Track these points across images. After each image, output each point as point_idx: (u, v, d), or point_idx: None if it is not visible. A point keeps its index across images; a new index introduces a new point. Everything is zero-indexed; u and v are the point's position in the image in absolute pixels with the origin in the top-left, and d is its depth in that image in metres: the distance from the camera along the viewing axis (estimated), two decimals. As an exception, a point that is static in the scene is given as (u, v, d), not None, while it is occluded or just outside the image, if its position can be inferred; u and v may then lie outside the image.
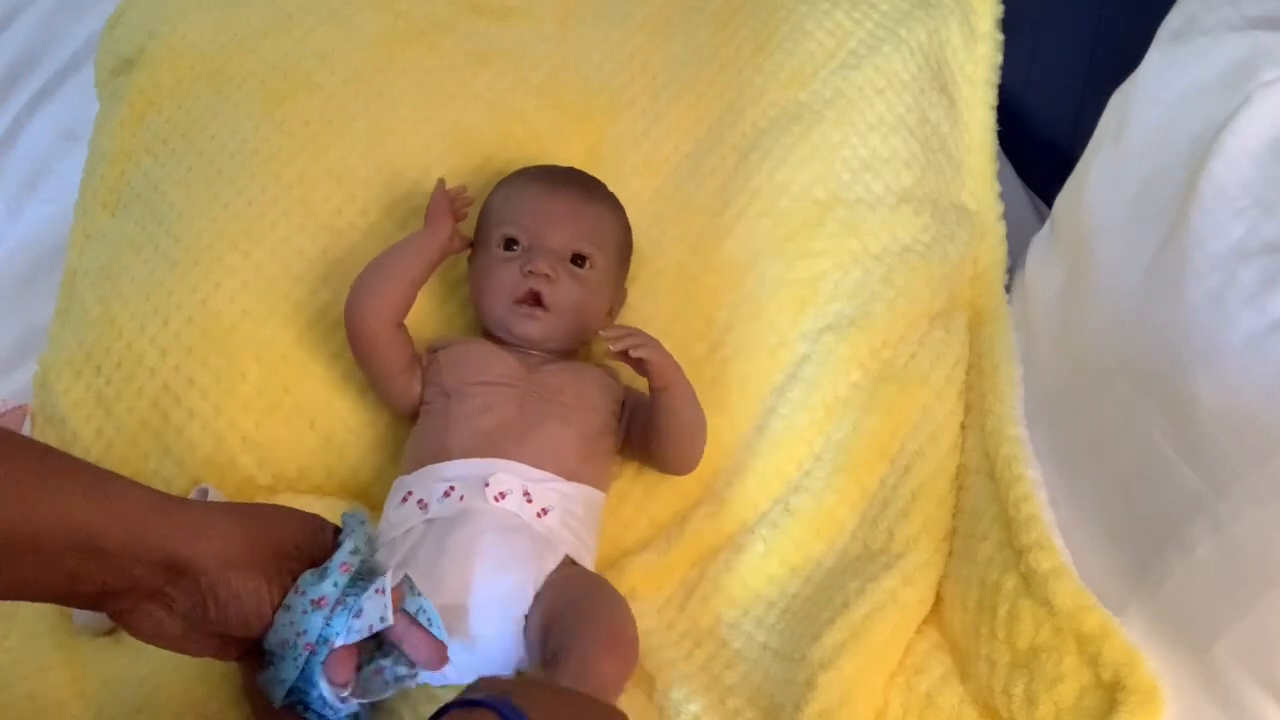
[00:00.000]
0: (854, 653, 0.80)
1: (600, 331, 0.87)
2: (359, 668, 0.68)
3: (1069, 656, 0.75)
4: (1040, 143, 1.21)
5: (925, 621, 0.89)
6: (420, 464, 0.87)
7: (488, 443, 0.86)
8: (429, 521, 0.83)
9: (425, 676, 0.73)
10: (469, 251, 0.98)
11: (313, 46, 1.10)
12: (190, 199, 1.03)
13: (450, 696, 0.61)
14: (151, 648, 0.80)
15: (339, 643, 0.65)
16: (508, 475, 0.85)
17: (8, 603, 0.89)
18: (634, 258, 1.02)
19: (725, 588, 0.90)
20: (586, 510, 0.88)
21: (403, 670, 0.69)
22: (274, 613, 0.66)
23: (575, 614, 0.79)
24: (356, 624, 0.66)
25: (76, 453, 0.96)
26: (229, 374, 0.96)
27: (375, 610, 0.66)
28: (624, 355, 0.86)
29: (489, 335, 0.95)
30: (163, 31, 1.13)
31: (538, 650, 0.79)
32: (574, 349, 0.97)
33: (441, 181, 0.96)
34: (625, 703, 0.82)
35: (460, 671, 0.74)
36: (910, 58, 1.13)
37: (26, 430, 1.00)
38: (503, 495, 0.83)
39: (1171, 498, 0.76)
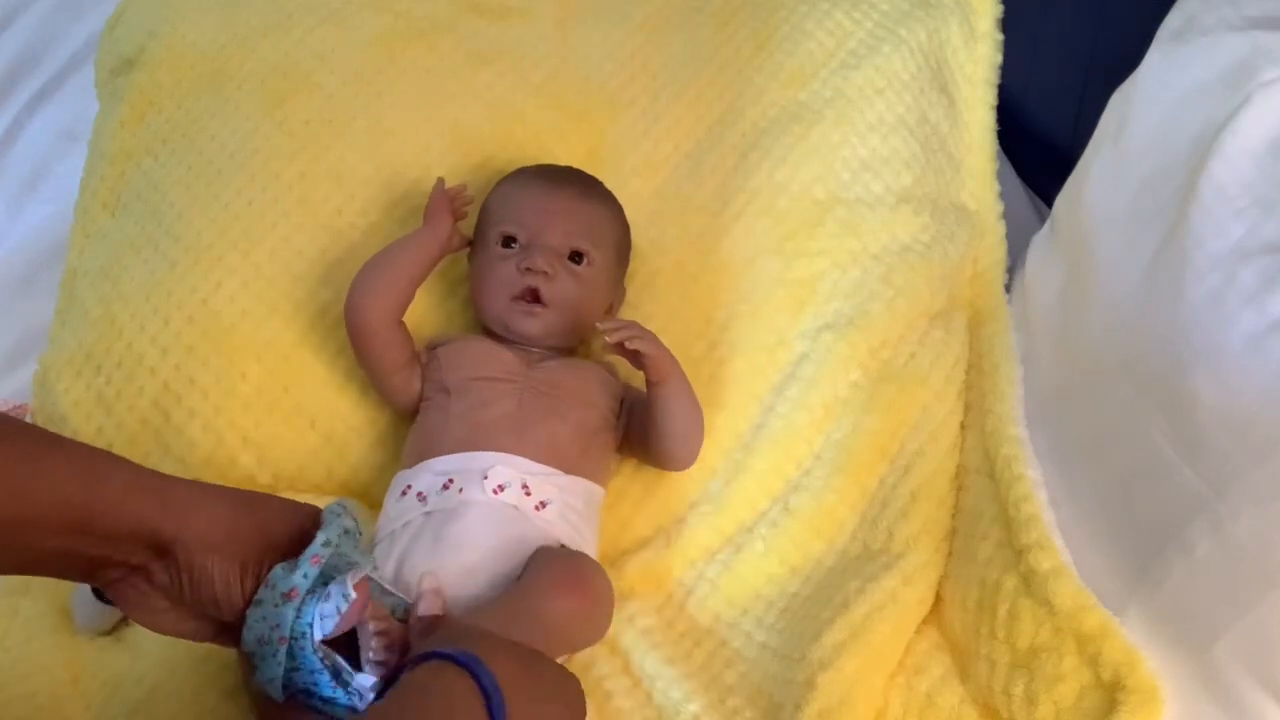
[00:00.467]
0: (854, 653, 0.80)
1: (597, 323, 0.88)
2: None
3: (1069, 656, 0.75)
4: (1040, 143, 1.21)
5: (925, 621, 0.89)
6: (419, 459, 0.88)
7: (486, 437, 0.87)
8: (428, 514, 0.83)
9: None
10: (469, 250, 0.98)
11: (313, 46, 1.10)
12: (190, 199, 1.03)
13: None
14: (151, 647, 0.81)
15: (317, 635, 0.65)
16: (506, 468, 0.85)
17: (8, 602, 0.89)
18: (633, 257, 1.02)
19: (725, 587, 0.90)
20: (585, 504, 0.88)
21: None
22: (245, 599, 0.66)
23: (539, 560, 0.81)
24: (326, 608, 0.66)
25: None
26: (229, 373, 0.96)
27: (338, 593, 0.66)
28: (620, 348, 0.86)
29: (489, 333, 0.96)
30: (163, 31, 1.13)
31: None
32: (573, 346, 0.97)
33: (441, 180, 0.96)
34: (625, 702, 0.82)
35: None
36: (910, 58, 1.13)
37: (26, 430, 1.00)
38: (501, 488, 0.84)
39: (1171, 498, 0.76)
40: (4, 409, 1.03)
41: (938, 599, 0.90)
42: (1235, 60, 0.90)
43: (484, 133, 1.07)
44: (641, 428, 0.92)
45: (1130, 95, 0.99)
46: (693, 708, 0.81)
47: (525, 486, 0.84)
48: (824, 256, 1.03)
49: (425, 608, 0.75)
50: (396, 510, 0.85)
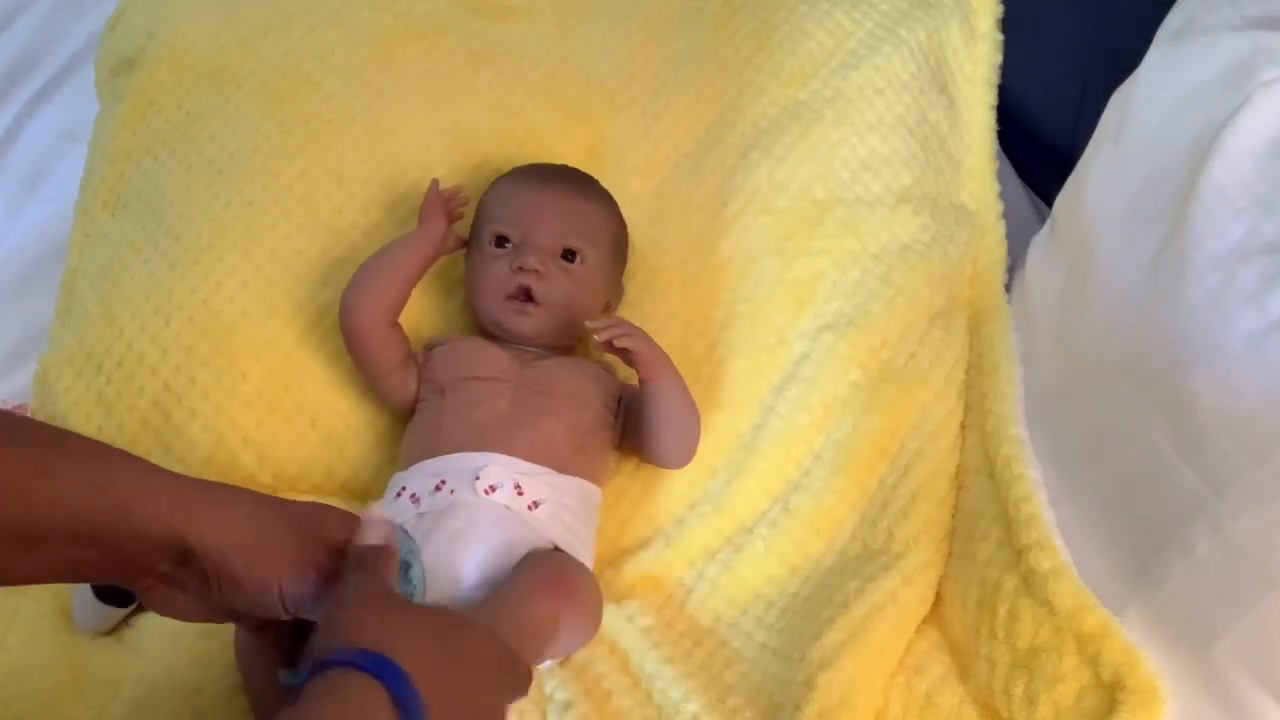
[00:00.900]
0: (854, 652, 0.80)
1: (586, 322, 0.87)
2: None
3: (1069, 656, 0.75)
4: (1040, 143, 1.21)
5: (925, 621, 0.89)
6: (414, 460, 0.88)
7: (479, 436, 0.87)
8: (420, 515, 0.83)
9: None
10: (464, 251, 0.98)
11: (313, 46, 1.10)
12: (190, 198, 1.03)
13: None
14: (150, 647, 0.81)
15: None
16: (498, 468, 0.85)
17: (8, 602, 0.89)
18: (633, 256, 1.02)
19: (724, 587, 0.90)
20: (581, 504, 0.88)
21: None
22: (282, 599, 0.64)
23: (525, 563, 0.80)
24: None
25: (76, 452, 0.96)
26: (230, 373, 0.96)
27: None
28: (610, 346, 0.86)
29: (485, 333, 0.96)
30: (163, 31, 1.13)
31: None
32: (570, 345, 0.97)
33: (435, 182, 0.96)
34: (624, 702, 0.82)
35: None
36: (910, 57, 1.13)
37: (26, 430, 1.00)
38: (493, 488, 0.84)
39: (1171, 498, 0.76)
40: (4, 409, 1.03)
41: (938, 599, 0.90)
42: (1235, 60, 0.90)
43: (484, 132, 1.07)
44: (638, 426, 0.92)
45: (1130, 95, 0.99)
46: (692, 707, 0.81)
47: (518, 486, 0.84)
48: (824, 256, 1.03)
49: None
50: (391, 512, 0.85)
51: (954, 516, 0.95)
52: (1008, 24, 1.19)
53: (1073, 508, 0.85)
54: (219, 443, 0.95)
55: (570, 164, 1.02)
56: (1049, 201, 1.10)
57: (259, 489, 0.94)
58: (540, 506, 0.84)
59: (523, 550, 0.82)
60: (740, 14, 1.15)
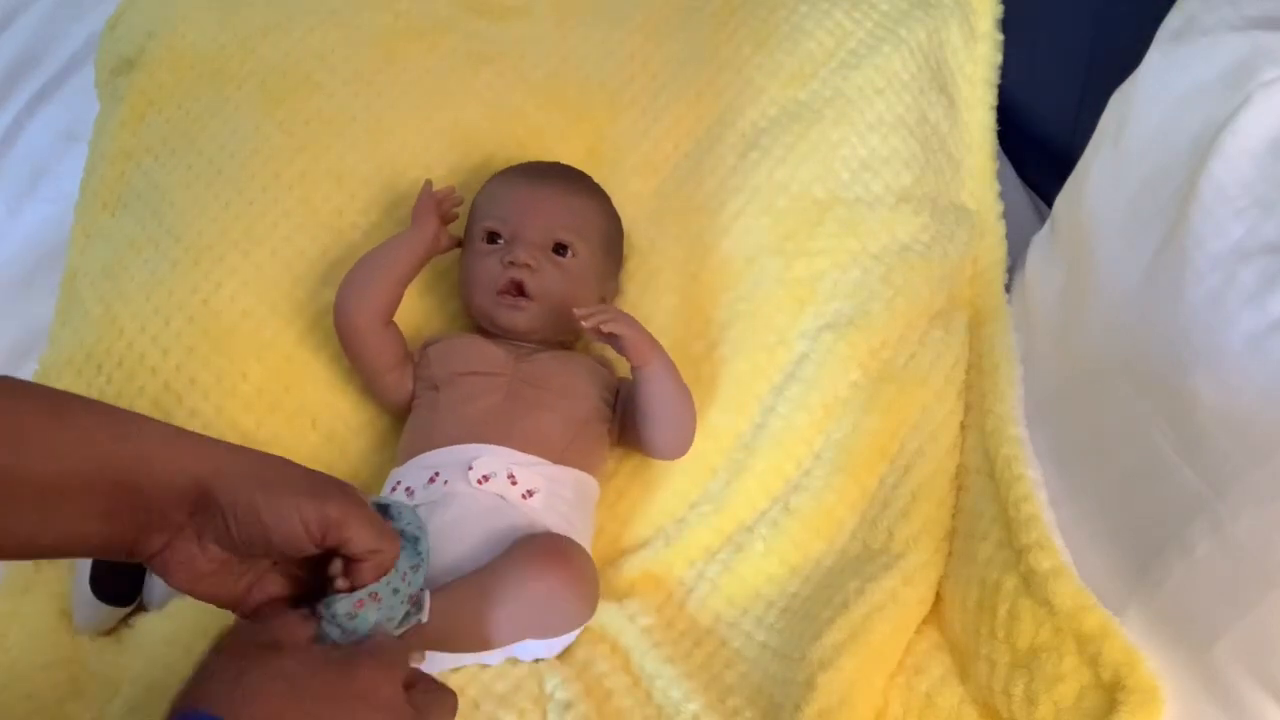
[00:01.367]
0: (854, 653, 0.80)
1: (575, 309, 0.88)
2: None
3: (1069, 656, 0.75)
4: (1040, 143, 1.21)
5: (925, 621, 0.89)
6: (409, 455, 0.88)
7: (472, 429, 0.87)
8: (414, 508, 0.83)
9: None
10: (459, 250, 0.98)
11: (313, 46, 1.10)
12: (191, 198, 1.03)
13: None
14: (149, 647, 0.80)
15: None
16: (492, 458, 0.85)
17: (8, 602, 0.89)
18: (633, 256, 1.02)
19: (724, 587, 0.90)
20: (577, 495, 0.88)
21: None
22: (305, 525, 0.62)
23: (520, 540, 0.81)
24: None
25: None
26: (230, 373, 0.96)
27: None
28: (598, 332, 0.86)
29: (481, 330, 0.96)
30: (163, 31, 1.13)
31: None
32: (565, 339, 0.97)
33: (428, 182, 0.97)
34: (624, 701, 0.82)
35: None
36: (910, 57, 1.13)
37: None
38: (486, 478, 0.84)
39: (1171, 498, 0.76)
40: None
41: (938, 599, 0.90)
42: (1235, 60, 0.90)
43: (484, 132, 1.07)
44: (632, 416, 0.92)
45: (1130, 95, 0.99)
46: (692, 707, 0.81)
47: (511, 476, 0.84)
48: (824, 256, 1.03)
49: None
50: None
51: (954, 516, 0.94)
52: (1008, 24, 1.19)
53: (1073, 508, 0.85)
54: (219, 443, 0.95)
55: (570, 164, 1.02)
56: (1049, 201, 1.10)
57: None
58: (534, 495, 0.84)
59: (515, 537, 0.82)
60: (740, 14, 1.15)
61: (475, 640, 0.79)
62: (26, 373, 1.04)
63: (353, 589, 0.65)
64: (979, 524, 0.89)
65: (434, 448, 0.87)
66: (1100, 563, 0.80)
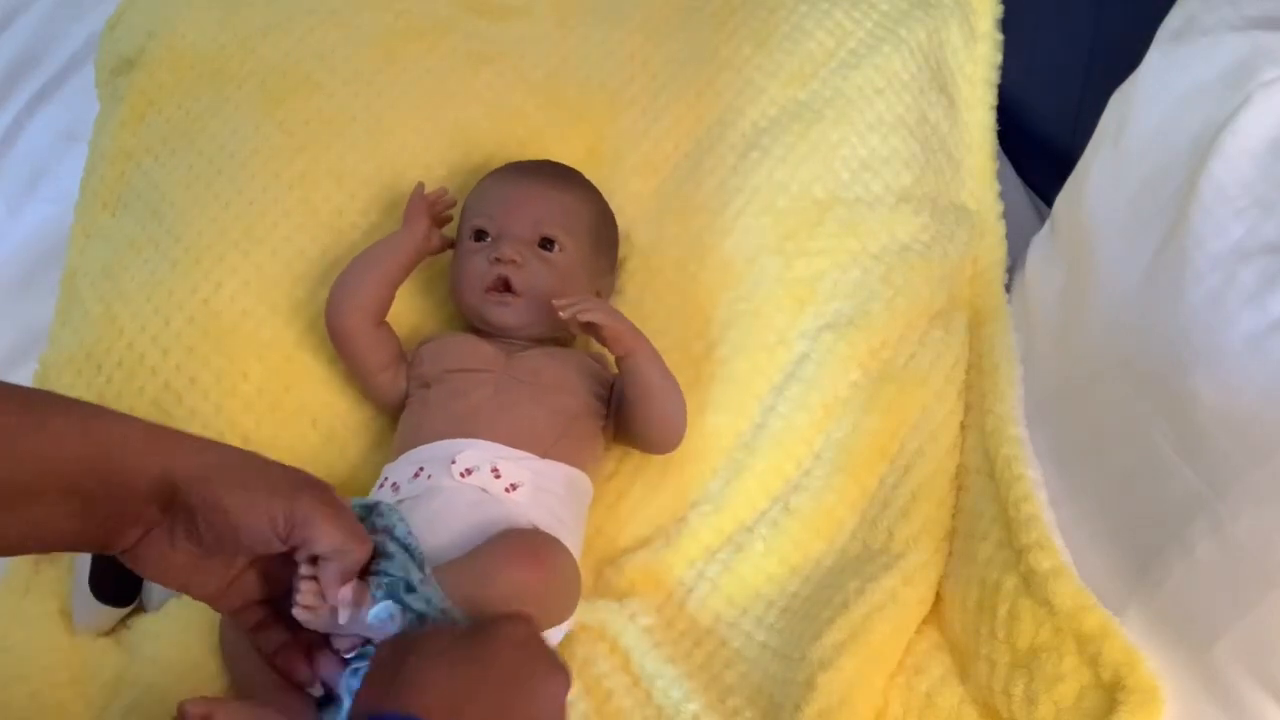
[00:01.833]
0: (854, 653, 0.80)
1: (553, 300, 0.87)
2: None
3: (1069, 656, 0.75)
4: (1040, 143, 1.21)
5: (925, 621, 0.89)
6: (399, 452, 0.88)
7: (460, 425, 0.87)
8: (399, 502, 0.83)
9: None
10: (451, 252, 0.99)
11: (313, 46, 1.10)
12: (191, 198, 1.03)
13: None
14: (148, 647, 0.80)
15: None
16: (475, 452, 0.85)
17: (8, 602, 0.89)
18: (634, 256, 1.02)
19: (725, 587, 0.90)
20: (567, 490, 0.87)
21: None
22: (273, 523, 0.63)
23: (498, 533, 0.80)
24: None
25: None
26: (230, 373, 0.96)
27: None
28: (576, 323, 0.86)
29: (473, 328, 0.96)
30: (163, 31, 1.13)
31: None
32: (559, 336, 0.97)
33: (420, 184, 0.97)
34: (624, 701, 0.82)
35: None
36: (910, 57, 1.13)
37: (27, 430, 1.00)
38: (469, 471, 0.83)
39: (1171, 498, 0.76)
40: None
41: (938, 599, 0.90)
42: (1235, 60, 0.90)
43: (484, 132, 1.07)
44: (621, 409, 0.92)
45: (1130, 95, 0.99)
46: (692, 707, 0.81)
47: (494, 469, 0.84)
48: (824, 256, 1.03)
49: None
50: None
51: (954, 516, 0.94)
52: (1008, 24, 1.19)
53: (1073, 508, 0.85)
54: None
55: (570, 164, 1.02)
56: (1049, 201, 1.10)
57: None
58: (518, 489, 0.84)
59: (496, 531, 0.82)
60: (740, 14, 1.15)
61: None
62: (27, 373, 1.04)
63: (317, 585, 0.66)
64: (979, 524, 0.89)
65: (422, 443, 0.87)
66: (1100, 563, 0.80)
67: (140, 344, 0.97)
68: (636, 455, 0.97)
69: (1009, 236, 1.13)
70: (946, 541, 0.93)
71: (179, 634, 0.85)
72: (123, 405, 0.96)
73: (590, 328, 0.87)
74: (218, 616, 0.84)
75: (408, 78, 1.09)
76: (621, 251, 1.03)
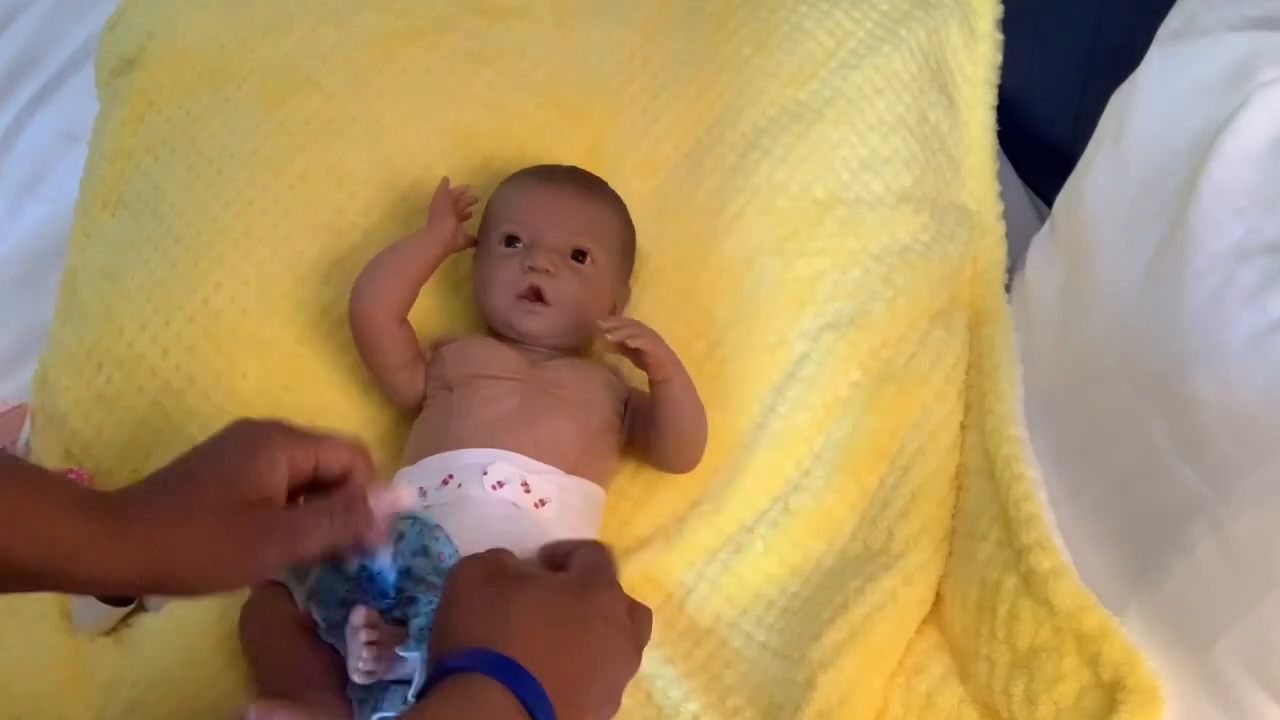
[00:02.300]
0: (854, 652, 0.80)
1: (599, 321, 0.88)
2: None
3: (1069, 656, 0.75)
4: (1040, 143, 1.21)
5: (925, 621, 0.89)
6: (421, 455, 0.88)
7: (487, 434, 0.87)
8: (426, 509, 0.83)
9: None
10: (472, 250, 0.98)
11: (313, 46, 1.10)
12: (191, 198, 1.03)
13: None
14: (149, 647, 0.80)
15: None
16: (506, 465, 0.85)
17: (8, 602, 0.89)
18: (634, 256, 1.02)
19: (724, 587, 0.90)
20: (585, 504, 0.88)
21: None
22: (246, 572, 0.64)
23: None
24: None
25: (76, 451, 0.97)
26: (230, 373, 0.96)
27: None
28: (622, 346, 0.86)
29: (493, 332, 0.96)
30: (163, 31, 1.13)
31: None
32: (578, 345, 0.97)
33: (445, 180, 0.96)
34: (624, 701, 0.82)
35: None
36: (910, 57, 1.13)
37: (26, 430, 1.00)
38: (500, 484, 0.84)
39: (1171, 498, 0.76)
40: (4, 409, 1.03)
41: (938, 599, 0.90)
42: (1235, 60, 0.90)
43: (484, 132, 1.07)
44: (645, 429, 0.92)
45: (1130, 95, 0.99)
46: (692, 707, 0.81)
47: (525, 484, 0.84)
48: (824, 256, 1.03)
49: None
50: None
51: (954, 516, 0.94)
52: (1008, 24, 1.19)
53: (1073, 508, 0.85)
54: (219, 443, 0.95)
55: (572, 164, 1.02)
56: (1049, 201, 1.10)
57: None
58: (546, 505, 0.84)
59: (526, 546, 0.82)
60: (740, 14, 1.15)
61: None
62: (26, 373, 1.04)
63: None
64: (979, 524, 0.89)
65: (447, 449, 0.87)
66: (1100, 563, 0.80)
67: (140, 344, 0.97)
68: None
69: (1009, 236, 1.13)
70: (946, 541, 0.93)
71: (179, 634, 0.85)
72: (122, 405, 0.96)
73: (633, 352, 0.87)
74: (219, 616, 0.85)
75: (408, 78, 1.09)
76: (625, 253, 1.03)
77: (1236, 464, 0.73)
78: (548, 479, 0.86)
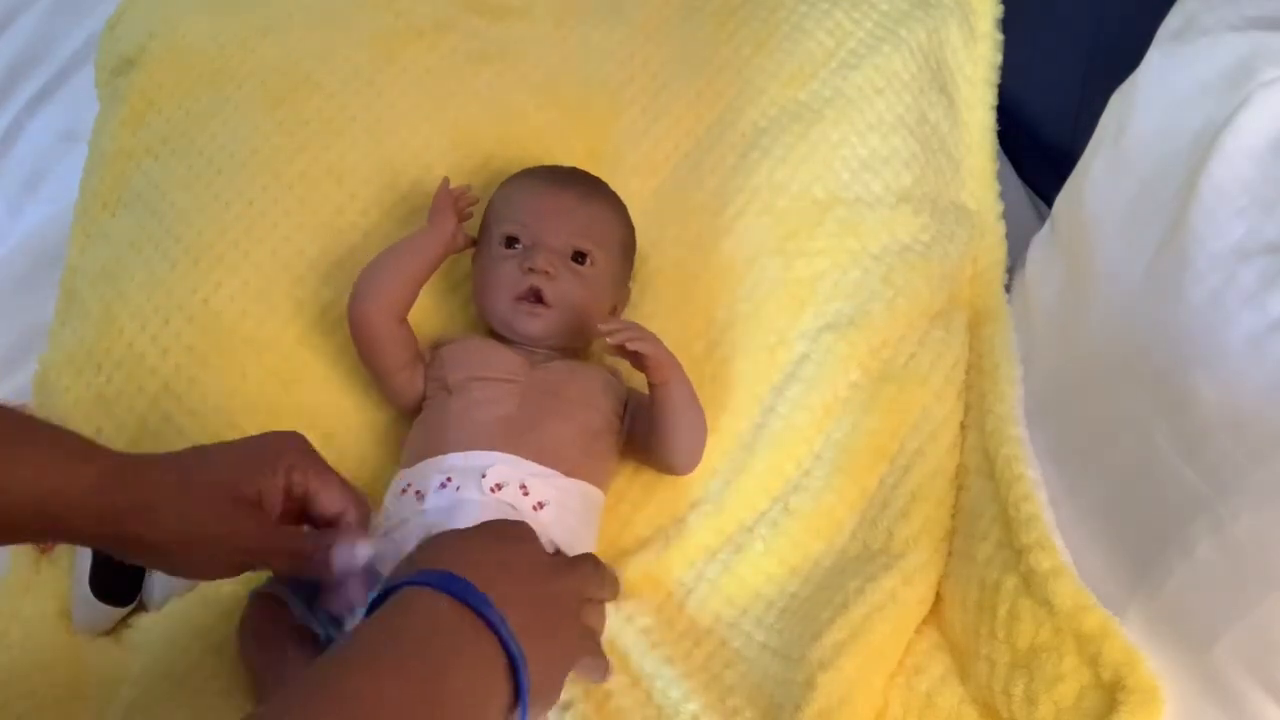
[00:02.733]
0: (854, 653, 0.80)
1: (599, 324, 0.88)
2: None
3: (1069, 656, 0.75)
4: (1040, 143, 1.21)
5: (925, 621, 0.89)
6: (420, 457, 0.88)
7: (487, 436, 0.87)
8: (425, 511, 0.83)
9: None
10: (472, 250, 0.98)
11: (313, 46, 1.10)
12: (190, 198, 1.03)
13: None
14: (149, 647, 0.81)
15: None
16: (505, 467, 0.85)
17: (8, 602, 0.89)
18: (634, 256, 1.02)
19: (724, 587, 0.90)
20: (583, 507, 0.88)
21: None
22: (231, 560, 0.70)
23: None
24: None
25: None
26: (230, 373, 0.96)
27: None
28: (620, 349, 0.86)
29: (492, 333, 0.96)
30: (163, 32, 1.13)
31: None
32: (577, 347, 0.97)
33: (446, 180, 0.96)
34: (623, 701, 0.82)
35: None
36: (910, 57, 1.13)
37: (26, 430, 1.00)
38: (499, 487, 0.84)
39: (1171, 498, 0.76)
40: (4, 409, 1.03)
41: (938, 599, 0.90)
42: (1235, 60, 0.90)
43: (484, 132, 1.07)
44: (645, 431, 0.92)
45: (1130, 95, 0.99)
46: (692, 707, 0.81)
47: (523, 486, 0.84)
48: (824, 256, 1.03)
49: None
50: (395, 508, 0.85)
51: (954, 516, 0.94)
52: (1008, 24, 1.19)
53: (1073, 508, 0.85)
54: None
55: (572, 164, 1.02)
56: (1049, 201, 1.10)
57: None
58: (545, 508, 0.84)
59: None
60: (740, 14, 1.15)
61: None
62: (27, 373, 1.04)
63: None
64: (979, 524, 0.89)
65: (446, 452, 0.87)
66: (1100, 563, 0.80)
67: (140, 344, 0.97)
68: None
69: (1009, 236, 1.13)
70: (946, 541, 0.93)
71: (179, 633, 0.85)
72: (122, 405, 0.96)
73: (631, 354, 0.87)
74: (218, 617, 0.85)
75: (408, 78, 1.09)
76: (626, 253, 1.03)
77: (1236, 464, 0.73)
78: (546, 481, 0.86)
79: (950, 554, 0.92)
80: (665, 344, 0.89)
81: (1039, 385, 0.97)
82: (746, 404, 0.98)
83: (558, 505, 0.85)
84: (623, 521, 0.95)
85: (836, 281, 1.02)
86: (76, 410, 0.97)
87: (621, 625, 0.86)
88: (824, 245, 1.03)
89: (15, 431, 0.66)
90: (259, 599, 0.81)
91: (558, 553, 0.81)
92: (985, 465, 0.92)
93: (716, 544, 0.93)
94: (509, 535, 0.70)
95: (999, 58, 1.19)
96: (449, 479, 0.85)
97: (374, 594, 0.64)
